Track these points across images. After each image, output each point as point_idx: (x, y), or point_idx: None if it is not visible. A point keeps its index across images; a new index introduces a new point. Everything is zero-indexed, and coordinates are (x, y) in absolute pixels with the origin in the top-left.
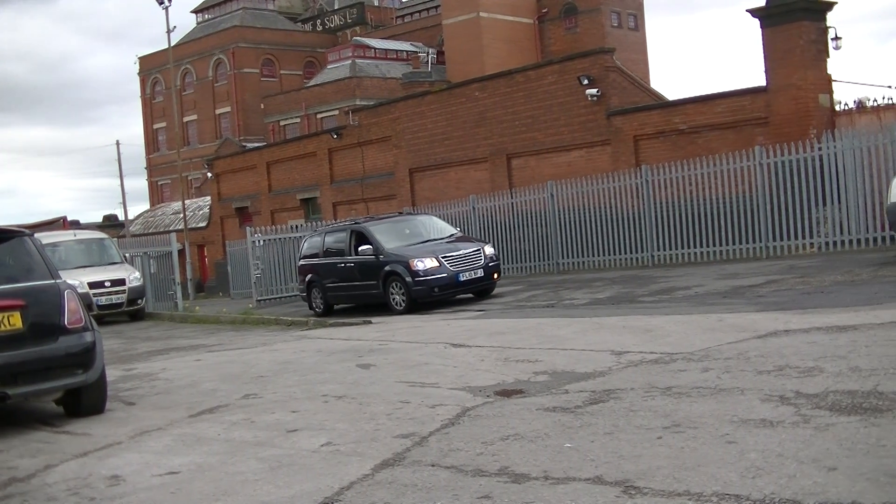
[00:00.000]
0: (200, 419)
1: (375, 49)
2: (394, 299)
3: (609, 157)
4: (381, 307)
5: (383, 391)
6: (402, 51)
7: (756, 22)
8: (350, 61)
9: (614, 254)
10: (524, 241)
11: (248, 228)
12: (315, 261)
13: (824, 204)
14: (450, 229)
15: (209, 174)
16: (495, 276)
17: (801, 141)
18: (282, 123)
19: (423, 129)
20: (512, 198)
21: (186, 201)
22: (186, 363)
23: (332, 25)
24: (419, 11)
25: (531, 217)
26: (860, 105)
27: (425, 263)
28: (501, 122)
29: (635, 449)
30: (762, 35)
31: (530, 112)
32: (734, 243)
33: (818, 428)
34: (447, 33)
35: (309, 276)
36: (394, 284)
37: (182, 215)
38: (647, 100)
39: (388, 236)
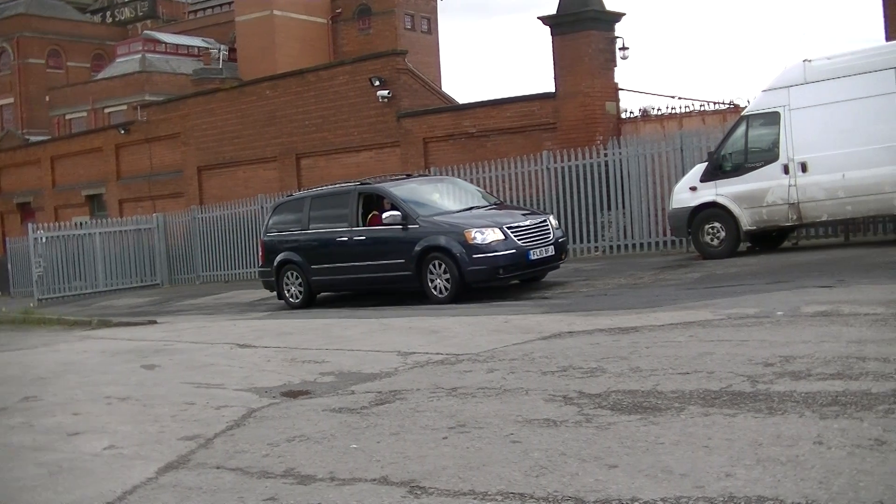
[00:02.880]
0: None
1: (166, 44)
2: (434, 284)
3: (399, 159)
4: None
5: (168, 392)
6: (194, 46)
7: (547, 29)
8: (140, 55)
9: None
10: None
11: (29, 225)
12: (294, 234)
13: (609, 208)
14: (488, 195)
15: None
16: (563, 255)
17: (588, 147)
18: (68, 117)
19: (212, 126)
20: None
21: None
22: None
23: (122, 18)
24: (212, 7)
25: None
26: (645, 113)
27: (486, 235)
28: (292, 121)
29: (421, 449)
30: (552, 43)
31: (321, 112)
32: None
33: (600, 427)
34: (240, 30)
35: (282, 255)
36: (434, 264)
37: None
38: (438, 102)
39: (417, 202)
